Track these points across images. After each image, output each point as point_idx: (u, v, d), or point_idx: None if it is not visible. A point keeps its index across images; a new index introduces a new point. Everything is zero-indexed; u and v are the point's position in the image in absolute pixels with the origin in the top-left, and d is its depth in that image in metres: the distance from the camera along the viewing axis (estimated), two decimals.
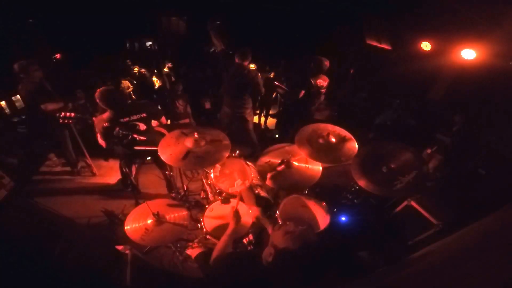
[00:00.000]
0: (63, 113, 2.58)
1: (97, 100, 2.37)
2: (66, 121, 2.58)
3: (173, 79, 4.96)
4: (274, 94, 5.00)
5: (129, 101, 2.59)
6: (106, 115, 2.44)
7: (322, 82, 3.67)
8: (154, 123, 2.79)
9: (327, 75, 3.71)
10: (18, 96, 3.37)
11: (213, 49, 4.91)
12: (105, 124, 2.39)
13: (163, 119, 2.83)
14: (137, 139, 2.53)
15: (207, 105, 4.75)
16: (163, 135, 3.07)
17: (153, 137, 2.71)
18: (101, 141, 2.61)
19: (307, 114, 3.90)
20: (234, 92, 3.53)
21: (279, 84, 4.20)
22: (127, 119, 2.48)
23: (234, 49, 3.54)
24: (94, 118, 2.53)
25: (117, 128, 2.41)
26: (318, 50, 4.02)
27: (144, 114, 2.56)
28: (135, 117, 2.52)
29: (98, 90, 2.36)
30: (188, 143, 2.30)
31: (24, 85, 2.97)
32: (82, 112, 3.02)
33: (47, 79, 3.18)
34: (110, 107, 2.42)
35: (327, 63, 3.58)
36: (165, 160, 2.19)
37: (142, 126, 2.58)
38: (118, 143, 2.65)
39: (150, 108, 2.66)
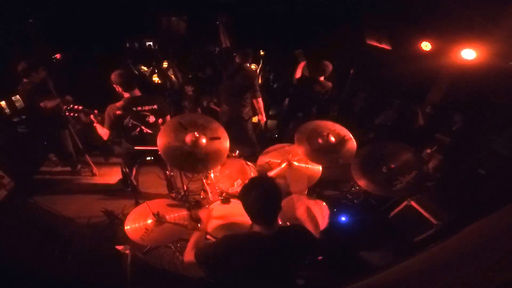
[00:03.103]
0: (71, 105, 2.57)
1: (113, 83, 2.41)
2: (72, 113, 2.55)
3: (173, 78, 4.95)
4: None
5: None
6: (119, 103, 2.46)
7: (322, 87, 3.69)
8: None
9: (329, 77, 3.73)
10: (18, 96, 3.37)
11: (217, 49, 4.91)
12: (118, 112, 2.41)
13: (168, 117, 2.82)
14: (144, 131, 2.55)
15: (205, 104, 4.75)
16: None
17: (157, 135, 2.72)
18: (101, 131, 2.57)
19: (309, 114, 3.90)
20: (233, 92, 3.53)
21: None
22: (140, 108, 2.50)
23: (236, 48, 3.54)
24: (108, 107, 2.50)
25: (129, 117, 2.42)
26: (318, 50, 4.02)
27: (155, 106, 2.58)
28: (147, 108, 2.54)
29: (113, 73, 2.40)
30: (188, 140, 2.28)
31: (23, 85, 2.96)
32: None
33: (50, 79, 3.18)
34: (126, 88, 2.44)
35: (330, 67, 3.61)
36: (169, 163, 2.19)
37: (152, 119, 2.59)
38: (125, 136, 2.65)
39: (161, 102, 2.68)
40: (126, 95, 2.48)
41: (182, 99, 4.49)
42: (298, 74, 3.83)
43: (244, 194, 1.38)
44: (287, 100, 5.22)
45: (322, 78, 3.67)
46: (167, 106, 2.77)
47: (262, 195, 1.34)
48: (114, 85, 2.45)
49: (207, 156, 2.28)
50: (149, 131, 2.57)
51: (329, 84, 3.73)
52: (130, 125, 2.46)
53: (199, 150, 2.27)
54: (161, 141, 2.22)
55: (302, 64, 3.80)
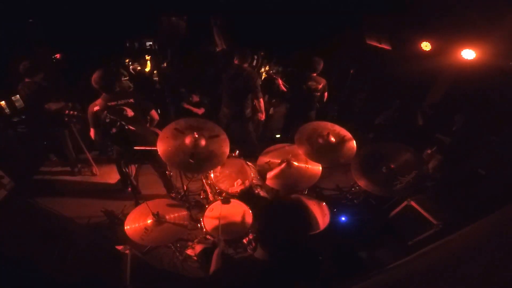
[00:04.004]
0: (67, 111, 2.60)
1: (93, 82, 2.46)
2: (68, 118, 2.59)
3: None
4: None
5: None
6: (98, 100, 2.51)
7: (316, 84, 3.65)
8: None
9: (324, 75, 3.70)
10: (18, 96, 3.38)
11: (218, 50, 4.93)
12: (95, 108, 2.47)
13: (154, 113, 2.81)
14: (126, 127, 2.50)
15: (196, 98, 4.72)
16: (158, 135, 3.06)
17: (145, 134, 2.71)
18: (91, 132, 2.63)
19: (306, 117, 3.85)
20: (234, 95, 3.52)
21: (281, 83, 4.22)
22: (114, 103, 2.53)
23: (234, 49, 3.53)
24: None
25: (105, 112, 2.43)
26: (318, 50, 4.02)
27: (131, 100, 2.59)
28: (122, 102, 2.55)
29: (96, 72, 2.44)
30: (188, 141, 2.29)
31: (24, 85, 2.97)
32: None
33: (47, 79, 3.18)
34: (105, 89, 2.49)
35: (321, 63, 3.57)
36: (172, 165, 2.22)
37: (130, 112, 2.59)
38: (107, 132, 2.61)
39: (139, 97, 2.69)
40: (103, 94, 2.54)
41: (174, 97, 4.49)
42: (282, 87, 4.08)
43: (265, 221, 1.17)
44: (266, 97, 5.24)
45: (314, 74, 3.64)
46: (147, 101, 2.77)
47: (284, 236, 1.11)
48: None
49: (211, 153, 2.30)
50: (131, 127, 2.52)
51: (323, 80, 3.69)
52: (107, 120, 2.44)
53: (201, 149, 2.29)
54: (161, 148, 2.24)
55: (279, 80, 4.08)
